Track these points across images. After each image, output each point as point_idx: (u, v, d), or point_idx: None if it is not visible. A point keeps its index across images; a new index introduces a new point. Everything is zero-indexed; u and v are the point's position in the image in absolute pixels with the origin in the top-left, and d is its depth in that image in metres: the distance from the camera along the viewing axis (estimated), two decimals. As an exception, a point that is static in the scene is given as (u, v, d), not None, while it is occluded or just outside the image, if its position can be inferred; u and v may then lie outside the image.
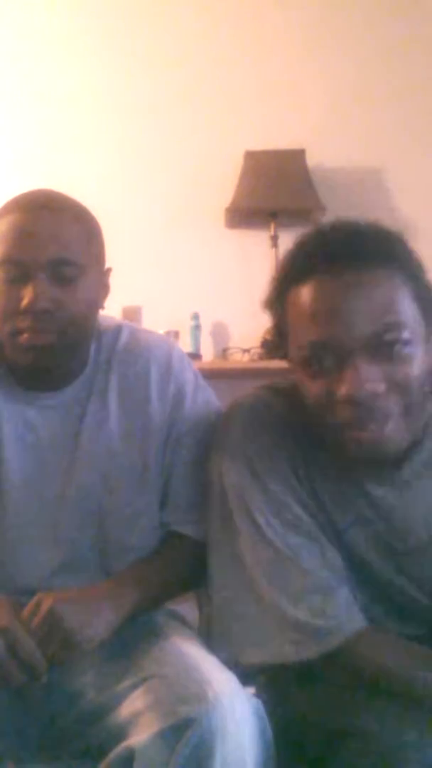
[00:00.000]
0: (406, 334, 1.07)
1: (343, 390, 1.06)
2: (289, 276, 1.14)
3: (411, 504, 1.20)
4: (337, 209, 2.95)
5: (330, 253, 1.10)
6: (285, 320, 1.15)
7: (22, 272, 1.22)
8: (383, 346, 1.07)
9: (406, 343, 1.08)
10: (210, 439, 1.32)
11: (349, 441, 1.10)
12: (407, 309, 1.09)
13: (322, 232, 1.15)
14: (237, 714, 1.06)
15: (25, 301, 1.21)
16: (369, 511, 1.20)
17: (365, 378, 1.06)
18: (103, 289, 1.33)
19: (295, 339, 1.12)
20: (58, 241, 1.23)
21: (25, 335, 1.23)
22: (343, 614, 1.14)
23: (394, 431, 1.09)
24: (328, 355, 1.08)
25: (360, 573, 1.21)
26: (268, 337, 2.83)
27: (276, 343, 1.20)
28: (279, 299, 1.16)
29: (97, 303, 1.32)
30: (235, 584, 1.21)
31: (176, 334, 2.77)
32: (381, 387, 1.06)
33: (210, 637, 1.23)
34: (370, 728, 1.05)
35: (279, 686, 1.24)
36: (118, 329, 1.39)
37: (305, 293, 1.10)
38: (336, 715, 1.11)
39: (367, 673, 1.13)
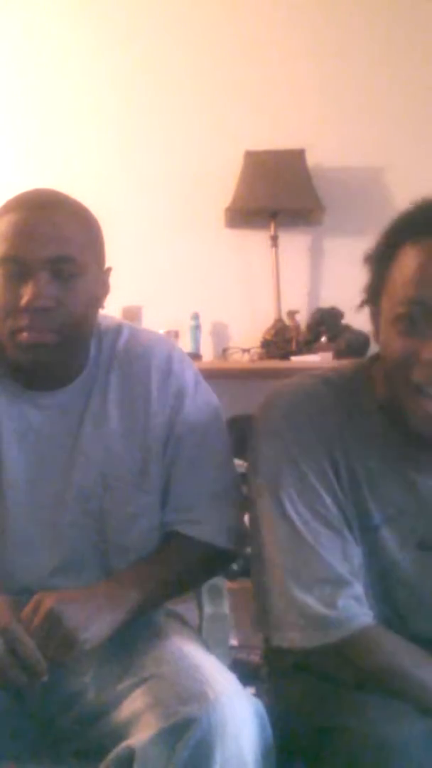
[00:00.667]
0: None
1: (429, 353, 1.09)
2: (404, 232, 1.15)
3: None
4: (337, 209, 2.95)
5: None
6: (387, 275, 1.16)
7: (22, 270, 1.22)
8: None
9: None
10: (210, 438, 1.34)
11: (417, 408, 1.12)
12: None
13: None
14: (237, 714, 1.06)
15: (25, 299, 1.21)
16: (410, 503, 1.21)
17: None
18: (103, 288, 1.33)
19: (393, 294, 1.14)
20: (58, 238, 1.23)
21: (25, 333, 1.23)
22: (353, 609, 1.15)
23: None
24: (423, 316, 1.10)
25: (384, 574, 1.22)
26: (267, 336, 2.85)
27: (369, 297, 1.21)
28: (387, 253, 1.16)
29: (97, 302, 1.32)
30: (262, 568, 1.23)
31: (176, 334, 2.76)
32: None
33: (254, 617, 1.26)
34: (353, 725, 1.06)
35: (278, 682, 1.25)
36: (118, 329, 1.39)
37: (414, 252, 1.12)
38: (323, 712, 1.12)
39: (368, 670, 1.14)
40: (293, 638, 1.16)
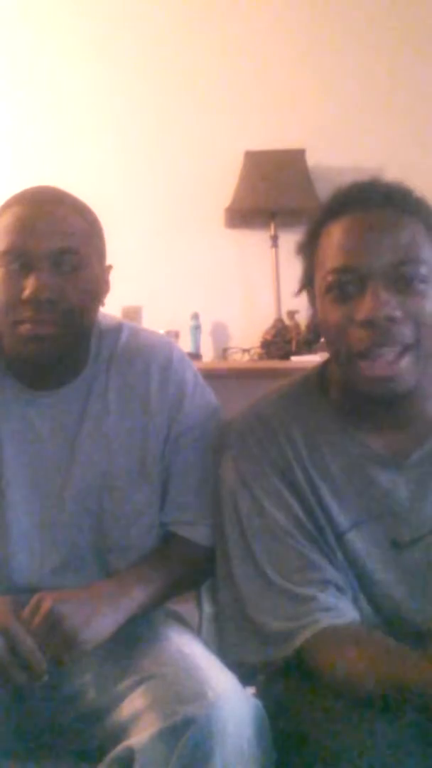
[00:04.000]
0: (423, 270, 1.14)
1: (361, 313, 1.12)
2: (323, 216, 1.21)
3: (419, 491, 1.22)
4: (337, 209, 2.96)
5: (363, 197, 1.18)
6: (315, 256, 1.21)
7: (24, 263, 1.23)
8: (402, 279, 1.13)
9: (423, 279, 1.14)
10: (209, 439, 1.35)
11: (362, 373, 1.14)
12: (427, 252, 1.16)
13: (357, 182, 1.22)
14: (237, 714, 1.06)
15: (27, 292, 1.22)
16: (376, 503, 1.21)
17: (383, 303, 1.11)
18: (103, 285, 1.34)
19: (322, 269, 1.18)
20: (60, 231, 1.24)
21: (27, 326, 1.23)
22: (310, 617, 1.15)
23: (406, 367, 1.13)
24: (350, 282, 1.14)
25: (360, 580, 1.22)
26: (267, 336, 2.85)
27: (303, 284, 1.25)
28: (312, 238, 1.22)
29: (97, 297, 1.32)
30: (225, 589, 1.25)
31: (176, 334, 2.77)
32: (397, 312, 1.12)
33: (218, 639, 1.27)
34: (312, 733, 1.06)
35: (271, 686, 1.24)
36: (118, 328, 1.40)
37: (337, 228, 1.18)
38: (289, 718, 1.12)
39: (322, 674, 1.13)
40: (261, 655, 1.17)
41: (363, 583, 1.22)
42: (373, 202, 1.17)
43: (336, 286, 1.15)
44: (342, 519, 1.22)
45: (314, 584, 1.18)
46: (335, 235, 1.17)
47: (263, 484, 1.23)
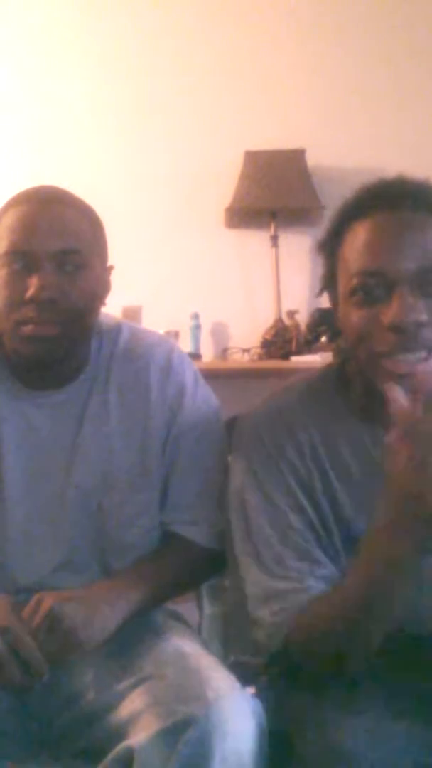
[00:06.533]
0: None
1: (388, 317, 1.10)
2: (348, 214, 1.19)
3: None
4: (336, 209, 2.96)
5: (390, 196, 1.16)
6: (339, 256, 1.18)
7: (27, 263, 1.23)
8: (429, 282, 1.11)
9: None
10: (209, 439, 1.35)
11: (385, 370, 1.12)
12: None
13: (383, 181, 1.20)
14: (236, 714, 1.06)
15: (30, 291, 1.22)
16: None
17: (411, 308, 1.10)
18: (104, 285, 1.34)
19: (346, 270, 1.16)
20: (64, 231, 1.25)
21: (30, 326, 1.23)
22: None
23: (430, 367, 1.11)
24: (376, 285, 1.12)
25: None
26: (267, 336, 2.85)
27: (325, 284, 1.23)
28: (335, 236, 1.20)
29: (99, 297, 1.32)
30: (233, 587, 1.23)
31: (176, 334, 2.76)
32: (425, 317, 1.10)
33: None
34: (311, 733, 1.06)
35: (271, 686, 1.24)
36: (118, 328, 1.40)
37: (362, 228, 1.15)
38: (290, 720, 1.12)
39: (305, 654, 1.13)
40: (258, 646, 1.16)
41: None
42: (400, 202, 1.15)
43: (361, 289, 1.13)
44: (357, 520, 1.19)
45: (317, 582, 1.16)
46: (361, 236, 1.15)
47: (275, 480, 1.21)
